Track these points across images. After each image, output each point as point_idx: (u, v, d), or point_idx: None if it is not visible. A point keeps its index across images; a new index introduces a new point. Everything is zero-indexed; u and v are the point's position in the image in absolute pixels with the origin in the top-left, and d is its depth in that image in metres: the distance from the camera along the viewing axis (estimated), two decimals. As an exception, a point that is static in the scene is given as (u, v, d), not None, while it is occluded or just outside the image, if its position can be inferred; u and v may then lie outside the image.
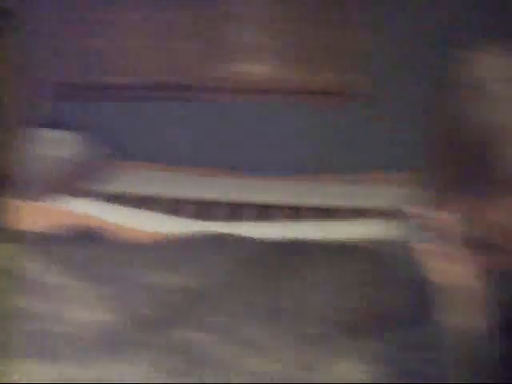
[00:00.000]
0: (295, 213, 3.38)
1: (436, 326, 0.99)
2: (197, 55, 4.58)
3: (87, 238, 2.53)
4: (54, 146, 4.11)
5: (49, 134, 4.24)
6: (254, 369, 1.65)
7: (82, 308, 1.91)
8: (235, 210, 3.41)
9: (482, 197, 0.82)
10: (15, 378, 1.43)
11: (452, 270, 0.92)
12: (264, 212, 3.38)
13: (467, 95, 0.81)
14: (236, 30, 4.48)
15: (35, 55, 4.91)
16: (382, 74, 3.94)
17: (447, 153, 0.85)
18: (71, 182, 3.65)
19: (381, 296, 1.69)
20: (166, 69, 4.70)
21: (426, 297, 0.97)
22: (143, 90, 4.67)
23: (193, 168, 4.19)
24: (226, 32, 4.44)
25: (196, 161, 4.31)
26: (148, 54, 4.67)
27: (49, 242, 2.44)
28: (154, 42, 4.75)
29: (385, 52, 3.97)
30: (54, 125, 4.41)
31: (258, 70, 4.50)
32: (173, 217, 3.08)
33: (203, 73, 4.55)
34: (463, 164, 0.82)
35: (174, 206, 3.39)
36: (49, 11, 4.63)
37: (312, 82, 4.30)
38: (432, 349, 1.02)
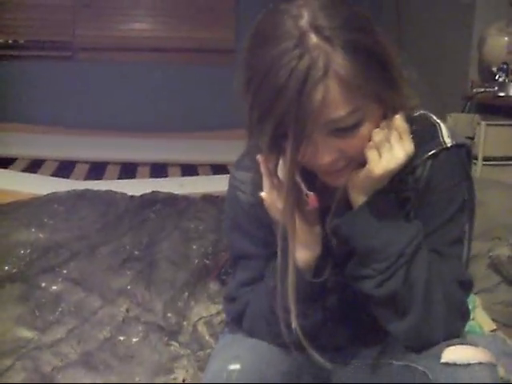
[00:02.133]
0: (160, 169, 3.43)
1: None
2: (73, 13, 4.47)
3: None
4: None
5: None
6: (120, 314, 1.70)
7: None
8: (101, 168, 3.40)
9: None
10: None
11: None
12: (129, 169, 3.41)
13: None
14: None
15: None
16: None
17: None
18: None
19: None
20: (42, 28, 4.52)
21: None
22: (19, 49, 4.48)
23: (57, 128, 4.11)
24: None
25: (64, 120, 4.24)
26: (25, 11, 4.48)
27: None
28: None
29: (250, 10, 4.06)
30: None
31: (133, 27, 4.49)
32: (35, 176, 3.04)
33: (80, 31, 4.44)
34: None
35: (37, 165, 3.34)
36: None
37: (184, 39, 4.36)
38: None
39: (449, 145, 1.00)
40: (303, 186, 0.96)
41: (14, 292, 1.76)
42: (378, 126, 0.91)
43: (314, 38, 0.83)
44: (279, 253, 0.96)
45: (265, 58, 0.84)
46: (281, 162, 0.97)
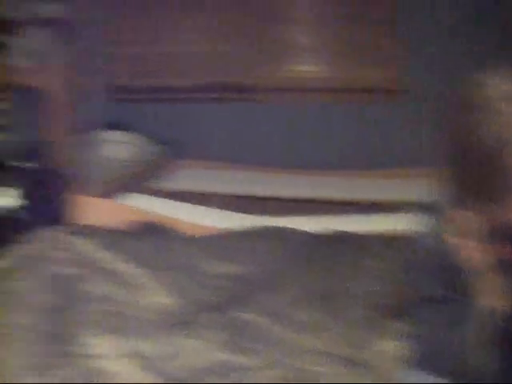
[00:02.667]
0: (339, 207, 3.52)
1: (465, 307, 1.13)
2: (247, 57, 4.76)
3: (150, 231, 2.76)
4: (116, 147, 4.34)
5: (110, 135, 4.48)
6: (301, 345, 1.83)
7: (147, 293, 2.13)
8: (286, 205, 3.57)
9: (495, 199, 1.00)
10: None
11: (474, 259, 1.09)
12: (310, 206, 3.54)
13: (480, 113, 0.98)
14: (286, 31, 4.63)
15: (95, 60, 5.19)
16: (418, 73, 4.07)
17: (465, 159, 1.02)
18: (134, 181, 3.87)
19: (416, 281, 1.84)
20: (219, 71, 4.90)
21: (455, 281, 1.13)
22: (200, 92, 4.88)
23: (246, 165, 4.39)
24: (276, 33, 4.60)
25: (249, 158, 4.52)
26: (203, 56, 4.87)
27: (115, 236, 2.67)
28: (209, 45, 4.95)
29: (423, 52, 4.09)
30: (113, 127, 4.66)
31: (307, 69, 4.65)
32: (228, 212, 3.27)
33: (256, 74, 4.72)
34: (478, 170, 0.99)
35: (229, 202, 3.58)
36: (108, 17, 4.90)
37: (358, 79, 4.43)
38: (459, 327, 1.15)
39: None
40: None
41: (214, 320, 1.95)
42: None
43: None
44: None
45: None
46: None
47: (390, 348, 1.81)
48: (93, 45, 5.21)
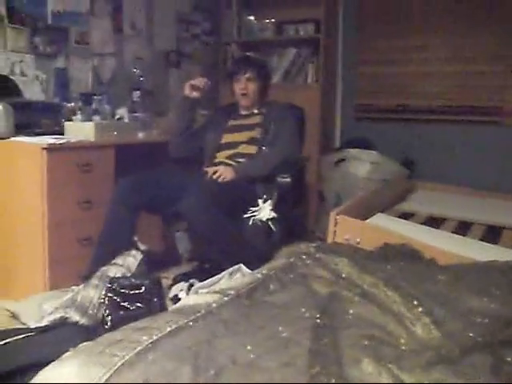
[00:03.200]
0: None
1: None
2: (500, 79, 4.54)
3: (405, 256, 2.70)
4: (359, 165, 4.38)
5: (356, 153, 4.53)
6: None
7: (410, 323, 2.07)
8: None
9: None
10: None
11: None
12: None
13: None
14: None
15: (343, 80, 5.30)
16: None
17: None
18: (383, 201, 3.86)
19: None
20: (466, 92, 4.72)
21: None
22: (443, 113, 4.76)
23: (496, 193, 4.17)
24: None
25: (489, 184, 4.30)
26: (448, 77, 4.74)
27: (372, 257, 2.65)
28: (457, 66, 4.81)
29: None
30: (360, 144, 4.71)
31: None
32: (489, 244, 3.11)
33: (503, 97, 4.49)
34: None
35: (488, 233, 3.41)
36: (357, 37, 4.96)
37: None
38: None
39: None
40: None
41: (483, 362, 1.83)
42: None
43: None
44: None
45: None
46: None
47: None
48: (345, 64, 5.35)
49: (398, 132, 5.15)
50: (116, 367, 1.64)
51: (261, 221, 3.33)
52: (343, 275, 2.49)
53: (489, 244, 3.14)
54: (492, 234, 3.40)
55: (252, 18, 5.96)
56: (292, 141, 3.73)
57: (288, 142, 3.69)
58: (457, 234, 3.33)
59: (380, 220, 3.38)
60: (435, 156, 4.94)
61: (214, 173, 3.55)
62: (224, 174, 3.52)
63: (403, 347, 1.93)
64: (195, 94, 3.79)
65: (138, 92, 4.58)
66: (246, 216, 3.35)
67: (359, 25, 5.45)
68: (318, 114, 5.23)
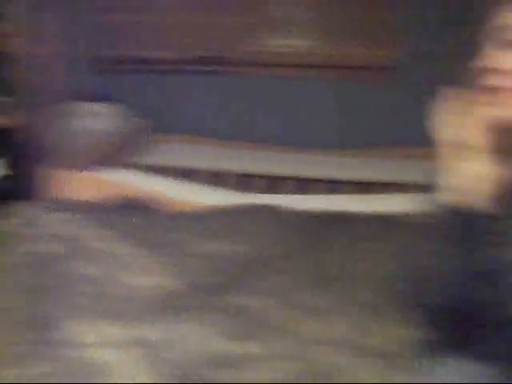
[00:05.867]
0: (334, 186, 3.38)
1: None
2: (234, 30, 4.57)
3: (133, 207, 2.57)
4: (96, 119, 4.14)
5: (90, 107, 4.26)
6: (309, 332, 1.66)
7: (137, 273, 1.94)
8: (275, 183, 3.41)
9: None
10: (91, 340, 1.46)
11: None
12: (304, 185, 3.39)
13: None
14: (274, 4, 4.46)
15: (73, 30, 4.93)
16: (418, 48, 3.92)
17: None
18: (114, 154, 3.67)
19: (422, 264, 1.68)
20: (203, 43, 4.69)
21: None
22: (181, 64, 4.67)
23: (232, 141, 4.20)
24: (263, 6, 4.42)
25: (234, 134, 4.33)
26: (184, 28, 4.66)
27: (97, 211, 2.47)
28: (191, 17, 4.74)
29: (422, 27, 3.94)
30: (95, 98, 4.43)
31: (295, 44, 4.49)
32: (214, 188, 3.10)
33: (241, 47, 4.54)
34: None
35: (216, 178, 3.40)
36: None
37: (349, 56, 4.28)
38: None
39: None
40: None
41: (213, 303, 1.77)
42: None
43: None
44: None
45: None
46: None
47: (406, 335, 1.66)
48: (77, 12, 4.95)
49: (141, 84, 4.93)
50: None
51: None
52: (71, 232, 2.28)
53: (224, 190, 3.12)
54: (244, 183, 3.38)
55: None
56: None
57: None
58: (209, 185, 3.27)
59: (116, 174, 3.20)
60: (181, 108, 4.80)
61: None
62: None
63: (133, 299, 1.80)
64: None
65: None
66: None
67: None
68: (49, 64, 4.76)
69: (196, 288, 1.83)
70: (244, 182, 3.37)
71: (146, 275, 1.90)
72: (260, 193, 3.14)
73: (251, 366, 1.51)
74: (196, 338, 1.58)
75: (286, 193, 3.18)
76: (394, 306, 1.79)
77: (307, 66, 4.33)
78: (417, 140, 3.80)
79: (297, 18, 4.46)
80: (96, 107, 4.19)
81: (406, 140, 3.82)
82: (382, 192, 3.31)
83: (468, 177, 0.99)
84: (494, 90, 0.98)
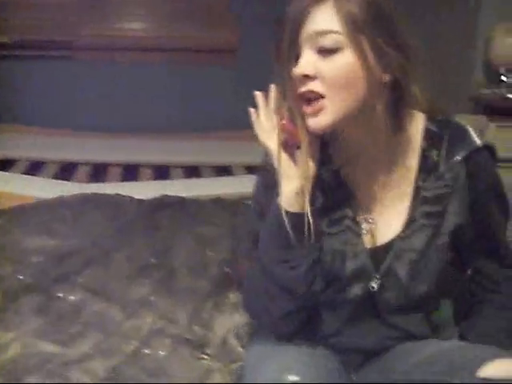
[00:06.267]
0: (163, 171, 3.36)
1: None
2: (73, 13, 4.37)
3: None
4: None
5: None
6: (138, 327, 1.63)
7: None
8: (101, 170, 3.32)
9: None
10: None
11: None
12: (132, 171, 3.33)
13: None
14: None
15: None
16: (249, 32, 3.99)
17: None
18: None
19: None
20: (42, 26, 4.41)
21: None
22: (19, 48, 4.36)
23: (57, 130, 4.00)
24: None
25: (63, 122, 4.13)
26: (25, 10, 4.36)
27: None
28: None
29: (253, 12, 4.01)
30: None
31: (134, 27, 4.38)
32: (37, 178, 2.95)
33: (80, 31, 4.34)
34: None
35: (37, 168, 3.25)
36: None
37: (186, 39, 4.25)
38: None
39: (480, 146, 1.09)
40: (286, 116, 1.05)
41: (31, 304, 1.69)
42: (366, 71, 0.98)
43: None
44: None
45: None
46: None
47: (230, 322, 1.68)
48: None
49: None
50: None
51: None
52: None
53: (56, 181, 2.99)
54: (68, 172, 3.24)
55: None
56: None
57: None
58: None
59: None
60: (18, 96, 4.44)
61: None
62: None
63: None
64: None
65: None
66: None
67: None
68: None
69: (17, 288, 1.74)
70: (69, 170, 3.25)
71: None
72: (84, 182, 3.04)
73: (68, 367, 1.44)
74: (11, 342, 1.49)
75: (114, 180, 3.11)
76: (221, 293, 1.82)
77: (147, 50, 4.26)
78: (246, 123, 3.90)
79: (137, 1, 4.37)
80: None
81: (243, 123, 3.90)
82: (213, 175, 3.34)
83: None
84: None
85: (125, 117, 4.10)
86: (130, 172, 3.30)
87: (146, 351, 1.53)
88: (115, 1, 4.37)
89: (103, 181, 3.11)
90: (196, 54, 4.29)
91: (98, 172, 3.28)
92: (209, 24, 4.25)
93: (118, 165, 3.38)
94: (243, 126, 3.82)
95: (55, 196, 2.50)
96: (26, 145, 3.62)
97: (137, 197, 2.55)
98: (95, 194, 2.52)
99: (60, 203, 2.43)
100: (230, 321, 1.67)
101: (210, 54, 4.27)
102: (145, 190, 2.77)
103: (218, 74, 4.11)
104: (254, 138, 1.12)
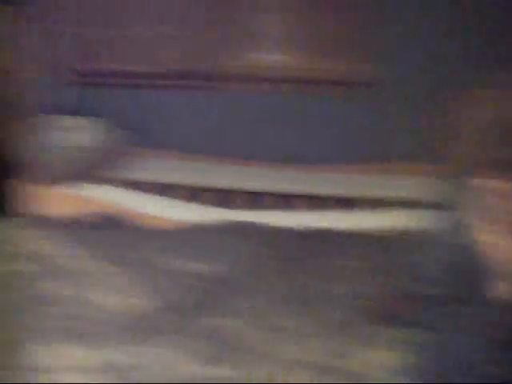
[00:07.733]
0: (316, 202, 3.34)
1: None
2: (211, 44, 4.55)
3: (110, 224, 2.53)
4: (73, 133, 4.09)
5: (66, 121, 4.22)
6: (285, 355, 1.62)
7: (109, 293, 1.90)
8: (255, 199, 3.37)
9: None
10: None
11: (500, 245, 0.93)
12: (285, 201, 3.35)
13: None
14: (250, 19, 4.44)
15: (55, 43, 4.89)
16: (392, 64, 3.92)
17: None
18: (92, 169, 3.62)
19: (405, 283, 1.66)
20: (180, 57, 4.66)
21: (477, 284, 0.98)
22: (160, 79, 4.64)
23: (211, 156, 4.16)
24: (240, 21, 4.40)
25: (212, 149, 4.29)
26: (164, 42, 4.63)
27: (73, 228, 2.43)
28: (170, 31, 4.71)
29: (393, 43, 3.94)
30: (74, 112, 4.39)
31: (270, 59, 4.47)
32: (193, 204, 3.06)
33: (217, 62, 4.51)
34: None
35: (194, 194, 3.36)
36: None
37: (325, 71, 4.25)
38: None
39: None
40: None
41: (187, 325, 1.73)
42: None
43: None
44: None
45: None
46: None
47: (376, 356, 1.62)
48: (54, 25, 4.91)
49: (120, 98, 4.89)
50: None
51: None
52: (43, 251, 2.23)
53: (202, 206, 3.09)
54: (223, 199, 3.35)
55: None
56: None
57: None
58: (188, 200, 3.22)
59: (92, 190, 3.16)
60: (161, 123, 4.77)
61: None
62: None
63: (106, 321, 1.75)
64: None
65: None
66: None
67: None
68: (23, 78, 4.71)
69: (168, 308, 1.79)
70: (224, 197, 3.34)
71: (117, 295, 1.86)
72: (239, 209, 3.10)
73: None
74: (164, 362, 1.54)
75: (267, 209, 3.14)
76: (372, 327, 1.76)
77: (286, 81, 4.31)
78: (398, 155, 3.81)
79: (274, 32, 4.46)
80: (73, 121, 4.15)
81: (388, 156, 3.82)
82: (364, 208, 3.27)
83: None
84: None
85: (259, 146, 4.15)
86: (281, 201, 3.32)
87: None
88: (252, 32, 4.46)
89: (254, 209, 3.15)
90: (335, 86, 4.26)
91: (252, 199, 3.34)
92: (347, 57, 4.20)
93: (269, 194, 3.43)
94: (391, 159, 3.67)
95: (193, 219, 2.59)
96: (184, 171, 3.78)
97: (287, 226, 2.56)
98: (245, 222, 2.57)
99: (212, 229, 2.51)
100: (374, 354, 1.61)
101: (342, 86, 4.22)
102: (295, 219, 2.77)
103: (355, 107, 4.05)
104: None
